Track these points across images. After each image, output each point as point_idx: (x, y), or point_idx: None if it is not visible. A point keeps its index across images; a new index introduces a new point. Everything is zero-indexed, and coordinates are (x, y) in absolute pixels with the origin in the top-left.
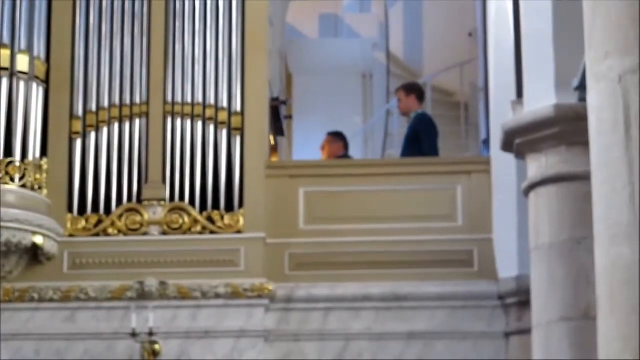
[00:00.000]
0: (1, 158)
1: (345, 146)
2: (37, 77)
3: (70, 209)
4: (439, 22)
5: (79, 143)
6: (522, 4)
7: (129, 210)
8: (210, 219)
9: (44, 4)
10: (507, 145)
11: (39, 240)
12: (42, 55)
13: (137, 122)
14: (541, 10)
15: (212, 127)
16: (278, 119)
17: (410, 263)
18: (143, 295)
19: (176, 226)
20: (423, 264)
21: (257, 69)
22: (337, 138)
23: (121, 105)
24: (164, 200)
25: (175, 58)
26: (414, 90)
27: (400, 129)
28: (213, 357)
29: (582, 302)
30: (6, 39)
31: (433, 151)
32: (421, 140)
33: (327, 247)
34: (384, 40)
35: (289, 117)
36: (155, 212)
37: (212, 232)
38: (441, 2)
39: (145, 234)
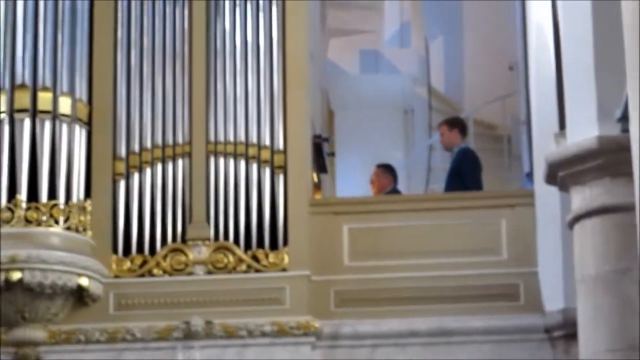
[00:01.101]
0: (45, 201)
1: (395, 179)
2: (79, 119)
3: (115, 250)
4: (479, 55)
5: (122, 184)
6: (562, 35)
7: (174, 250)
8: (255, 258)
9: (85, 46)
10: (551, 177)
11: (84, 282)
12: (84, 97)
13: (179, 162)
14: (582, 42)
15: (255, 166)
16: (320, 156)
17: (455, 297)
18: (189, 335)
19: (221, 265)
20: (468, 298)
21: (298, 106)
22: (387, 170)
23: (164, 145)
24: (209, 239)
25: (217, 97)
26: (457, 124)
27: (442, 163)
28: None
29: (629, 334)
30: (48, 81)
31: (477, 185)
32: (465, 174)
33: (372, 283)
34: (424, 74)
35: (332, 153)
36: (200, 252)
37: (257, 271)
38: (481, 35)
39: (190, 273)
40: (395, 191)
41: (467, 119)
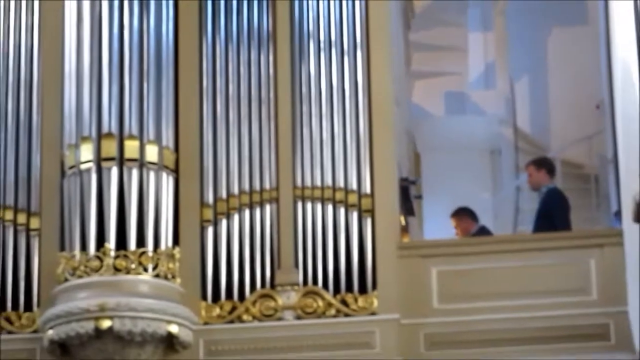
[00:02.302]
0: (134, 249)
1: (474, 218)
2: (166, 167)
3: (204, 296)
4: (565, 94)
5: (210, 231)
6: None
7: (263, 296)
8: (344, 302)
9: (171, 94)
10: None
11: (174, 329)
12: (171, 145)
13: (267, 207)
14: None
15: (342, 210)
16: (408, 199)
17: (545, 338)
18: None
19: (310, 310)
20: (559, 339)
21: (384, 149)
22: (463, 214)
23: (251, 191)
24: (297, 284)
25: (303, 141)
26: (544, 164)
27: (530, 204)
28: None
29: None
30: (134, 130)
31: (565, 225)
32: (553, 215)
33: (462, 325)
34: (510, 115)
35: (419, 196)
36: (289, 297)
37: (346, 315)
38: (567, 74)
39: (279, 319)
40: (481, 230)
41: (554, 159)
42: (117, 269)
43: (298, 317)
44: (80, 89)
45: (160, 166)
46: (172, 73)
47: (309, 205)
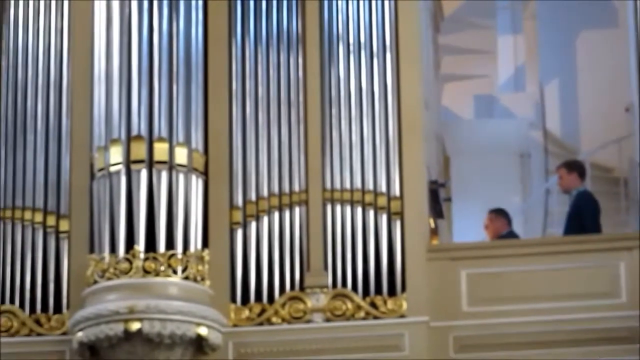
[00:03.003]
0: (163, 251)
1: (509, 222)
2: (195, 169)
3: (233, 299)
4: (594, 97)
5: (239, 233)
6: None
7: (292, 298)
8: (373, 304)
9: (200, 97)
10: None
11: (203, 331)
12: (200, 147)
13: (296, 210)
14: None
15: (371, 213)
16: (437, 202)
17: (574, 341)
18: None
19: (339, 313)
20: (588, 342)
21: (414, 152)
22: (500, 215)
23: (280, 193)
24: (327, 287)
25: (333, 144)
26: (575, 167)
27: (560, 207)
28: None
29: None
30: (164, 132)
31: (595, 228)
32: (584, 217)
33: (491, 328)
34: (540, 118)
35: (448, 199)
36: (318, 300)
37: (375, 318)
38: (596, 77)
39: (308, 321)
40: (510, 234)
41: (583, 162)
42: (146, 271)
43: (327, 320)
44: (110, 92)
45: (189, 169)
46: (201, 75)
47: (338, 208)
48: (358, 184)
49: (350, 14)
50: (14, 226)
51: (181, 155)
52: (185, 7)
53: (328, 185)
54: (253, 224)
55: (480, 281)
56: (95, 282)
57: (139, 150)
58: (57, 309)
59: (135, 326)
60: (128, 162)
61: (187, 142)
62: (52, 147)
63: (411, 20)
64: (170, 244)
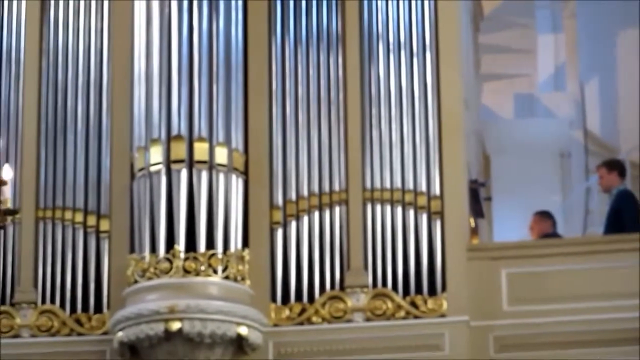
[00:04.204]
0: (203, 251)
1: (553, 224)
2: (236, 169)
3: (273, 298)
4: (634, 96)
5: (279, 233)
6: None
7: (332, 297)
8: (413, 304)
9: (240, 97)
10: None
11: (243, 331)
12: (240, 147)
13: (336, 209)
14: None
15: (411, 212)
16: (477, 201)
17: (617, 341)
18: None
19: (380, 312)
20: (629, 341)
21: (454, 151)
22: (545, 217)
23: (320, 193)
24: (367, 286)
25: (373, 144)
26: (616, 166)
27: (600, 206)
28: None
29: None
30: (204, 132)
31: (635, 227)
32: (623, 216)
33: (532, 327)
34: (580, 117)
35: (488, 198)
36: (359, 299)
37: (415, 317)
38: (636, 75)
39: (349, 321)
40: (554, 235)
41: (623, 161)
42: (186, 271)
43: (367, 319)
44: (150, 91)
45: (229, 168)
46: (241, 75)
47: (378, 208)
48: (398, 183)
49: (390, 13)
50: (55, 226)
51: (221, 155)
52: (225, 6)
53: (368, 184)
54: (293, 224)
55: (520, 280)
56: (136, 281)
57: (179, 150)
58: (98, 308)
59: (175, 326)
60: (168, 161)
61: (227, 141)
62: (93, 147)
63: (451, 19)
64: (210, 244)
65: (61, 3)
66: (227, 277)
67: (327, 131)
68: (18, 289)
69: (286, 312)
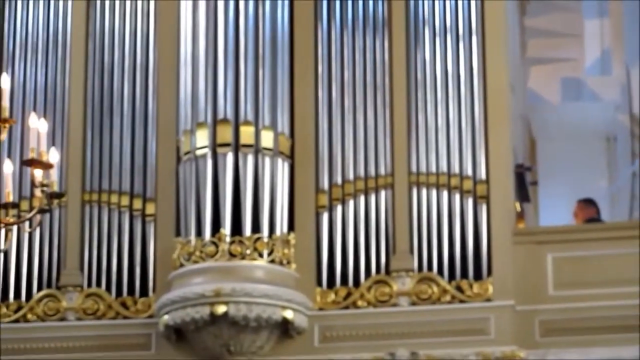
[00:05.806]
0: (249, 234)
1: (597, 211)
2: (281, 153)
3: (319, 282)
4: None
5: (325, 217)
6: None
7: (378, 282)
8: (459, 288)
9: (286, 81)
10: None
11: (289, 314)
12: (286, 131)
13: (382, 193)
14: None
15: (457, 196)
16: (523, 185)
17: None
18: None
19: (425, 296)
20: None
21: (500, 135)
22: (588, 204)
23: (366, 177)
24: (412, 270)
25: (419, 128)
26: None
27: None
28: None
29: None
30: (250, 115)
31: None
32: None
33: (577, 312)
34: (626, 102)
35: (534, 182)
36: (404, 283)
37: (461, 301)
38: None
39: (394, 305)
40: (598, 220)
41: None
42: (232, 255)
43: (413, 303)
44: (196, 75)
45: (275, 152)
46: (287, 59)
47: (424, 192)
48: (444, 167)
49: None
50: (101, 209)
51: (267, 139)
52: None
53: (414, 168)
54: (339, 208)
55: (566, 265)
56: (182, 265)
57: (225, 134)
58: (144, 292)
59: (221, 309)
60: (214, 145)
61: (273, 125)
62: (139, 131)
63: (497, 2)
64: (256, 228)
65: None
66: (272, 261)
67: (373, 115)
68: (64, 272)
69: (332, 296)
